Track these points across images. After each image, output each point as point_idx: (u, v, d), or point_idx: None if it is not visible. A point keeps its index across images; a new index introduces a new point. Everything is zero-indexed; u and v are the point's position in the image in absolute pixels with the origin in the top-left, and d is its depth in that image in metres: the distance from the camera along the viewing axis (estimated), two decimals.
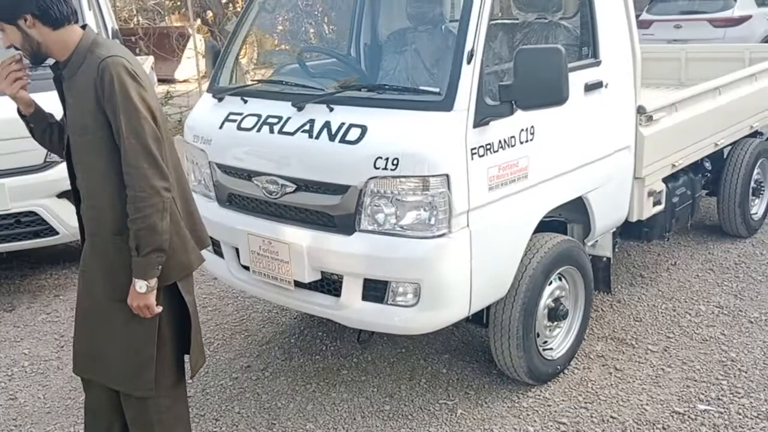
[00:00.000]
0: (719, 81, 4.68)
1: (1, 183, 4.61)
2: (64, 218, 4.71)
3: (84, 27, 2.51)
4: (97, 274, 2.54)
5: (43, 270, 5.48)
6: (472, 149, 2.94)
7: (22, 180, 4.64)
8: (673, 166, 4.33)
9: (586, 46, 3.57)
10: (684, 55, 6.63)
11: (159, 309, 2.49)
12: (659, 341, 4.04)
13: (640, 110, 3.89)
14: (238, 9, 13.78)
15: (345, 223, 3.06)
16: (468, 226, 3.00)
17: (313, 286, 3.27)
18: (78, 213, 2.64)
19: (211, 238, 3.68)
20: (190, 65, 13.73)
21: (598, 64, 3.55)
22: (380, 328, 3.26)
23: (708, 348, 3.94)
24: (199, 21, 13.29)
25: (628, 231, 4.35)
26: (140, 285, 2.41)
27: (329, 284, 3.25)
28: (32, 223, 4.76)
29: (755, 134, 5.53)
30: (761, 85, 5.17)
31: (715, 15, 11.95)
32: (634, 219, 4.11)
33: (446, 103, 2.91)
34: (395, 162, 2.89)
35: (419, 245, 2.95)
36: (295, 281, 3.25)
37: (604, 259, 4.01)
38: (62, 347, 4.27)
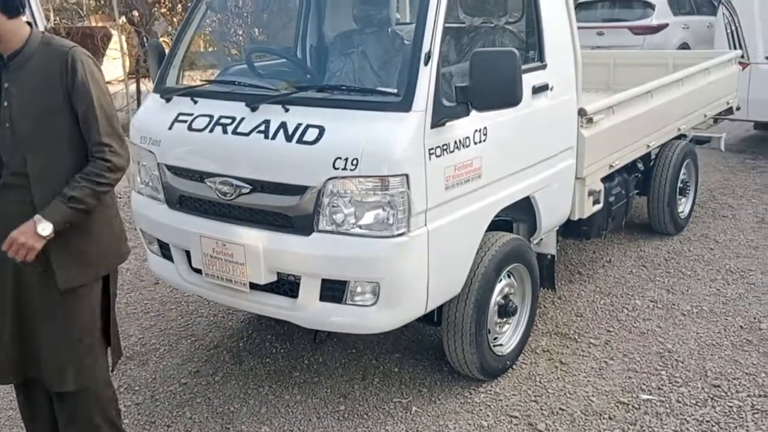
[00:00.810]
0: (651, 85, 4.90)
1: None
2: None
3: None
4: (45, 262, 2.51)
5: None
6: (429, 149, 2.99)
7: None
8: (611, 166, 4.51)
9: (533, 49, 3.68)
10: (612, 61, 6.90)
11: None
12: (600, 335, 4.19)
13: (581, 112, 4.04)
14: (164, 11, 13.51)
15: (303, 224, 3.06)
16: (426, 225, 3.05)
17: (268, 288, 3.25)
18: None
19: (159, 240, 3.65)
20: (115, 66, 13.35)
21: (544, 67, 3.66)
22: (338, 328, 3.27)
23: (646, 340, 4.12)
24: (123, 19, 12.94)
25: (568, 229, 4.50)
26: (45, 227, 2.41)
27: (285, 285, 3.23)
28: None
29: (680, 137, 5.80)
30: (687, 89, 5.44)
31: (634, 23, 12.46)
32: (576, 217, 4.26)
33: (404, 104, 2.95)
34: (354, 162, 2.91)
35: (379, 245, 2.98)
36: (250, 283, 3.22)
37: (549, 256, 4.13)
38: None
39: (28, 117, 2.45)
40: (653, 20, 12.47)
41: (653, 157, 5.52)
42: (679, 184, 5.64)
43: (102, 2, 13.26)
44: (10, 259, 2.50)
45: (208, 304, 4.66)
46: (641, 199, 5.74)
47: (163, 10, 13.54)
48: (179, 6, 13.41)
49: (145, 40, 12.46)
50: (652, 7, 12.63)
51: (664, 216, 5.56)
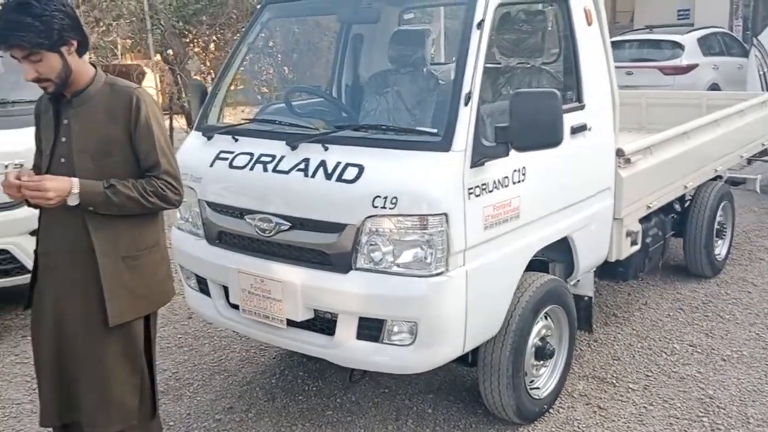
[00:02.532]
0: (688, 126, 4.87)
1: None
2: None
3: None
4: (94, 300, 2.53)
5: (8, 310, 5.29)
6: (469, 189, 2.99)
7: None
8: (648, 207, 4.47)
9: (571, 90, 3.68)
10: (644, 101, 6.89)
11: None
12: (639, 380, 4.10)
13: (619, 153, 4.02)
14: (197, 50, 13.81)
15: (341, 262, 3.06)
16: (464, 264, 3.03)
17: (305, 325, 3.24)
18: (40, 245, 2.63)
19: (197, 276, 3.67)
20: None
21: (582, 107, 3.66)
22: (375, 367, 3.24)
23: (686, 386, 4.03)
24: (158, 57, 13.24)
25: (604, 271, 4.45)
26: (75, 199, 2.42)
27: (322, 323, 3.23)
28: (3, 261, 4.62)
29: (716, 178, 5.74)
30: (723, 130, 5.40)
31: (664, 63, 12.46)
32: (613, 259, 4.21)
33: (444, 144, 2.97)
34: (394, 200, 2.92)
35: (417, 284, 2.97)
36: (287, 320, 3.22)
37: (586, 298, 4.08)
38: (35, 389, 4.08)
39: (86, 153, 2.50)
40: (683, 60, 12.46)
41: (688, 198, 5.46)
42: (716, 226, 5.57)
43: (138, 41, 13.56)
44: (51, 301, 2.53)
45: (241, 339, 4.66)
46: (677, 241, 5.67)
47: (196, 49, 13.84)
48: (212, 45, 13.71)
49: (179, 78, 12.74)
50: (681, 47, 12.64)
51: (701, 258, 5.48)
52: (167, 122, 12.87)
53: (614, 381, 4.09)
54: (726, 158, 5.60)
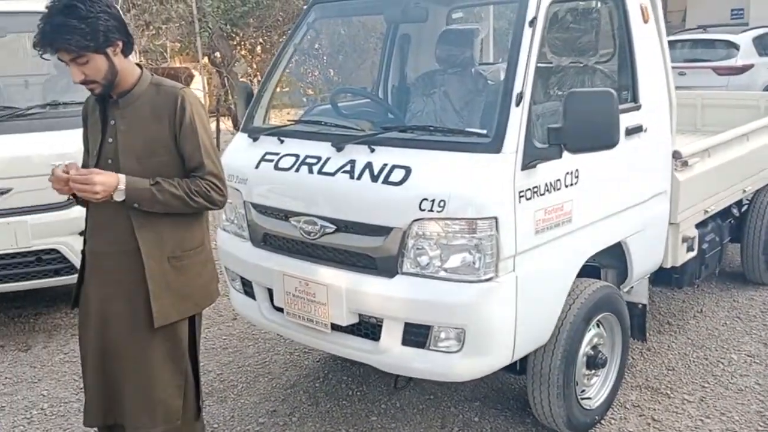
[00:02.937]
0: (748, 127, 4.68)
1: (24, 220, 4.55)
2: None
3: None
4: (140, 300, 2.52)
5: (58, 308, 5.37)
6: (519, 192, 2.90)
7: (44, 217, 4.57)
8: (705, 212, 4.30)
9: (626, 89, 3.55)
10: (700, 102, 6.66)
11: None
12: (695, 391, 3.95)
13: (676, 155, 3.87)
14: (244, 53, 13.93)
15: (387, 266, 3.00)
16: (514, 270, 2.94)
17: (349, 330, 3.19)
18: (88, 245, 2.63)
19: (242, 278, 3.65)
20: None
21: (638, 108, 3.53)
22: (420, 375, 3.17)
23: (744, 398, 3.85)
24: (206, 60, 13.39)
25: (659, 277, 4.29)
26: (121, 194, 2.41)
27: (367, 328, 3.16)
28: (53, 261, 4.67)
29: None
30: None
31: (718, 63, 12.12)
32: (669, 265, 4.06)
33: (494, 145, 2.88)
34: (442, 204, 2.84)
35: (465, 289, 2.88)
36: (332, 324, 3.16)
37: (640, 305, 3.93)
38: (82, 388, 4.13)
39: (132, 153, 2.50)
40: (738, 61, 12.10)
41: (746, 202, 5.25)
42: None
43: (186, 44, 13.74)
44: (97, 302, 2.53)
45: (285, 342, 4.63)
46: (733, 247, 5.46)
47: (243, 51, 13.96)
48: (258, 48, 13.81)
49: (226, 80, 12.86)
50: (736, 47, 12.27)
51: (759, 264, 5.27)
52: (214, 124, 13.04)
53: (669, 392, 3.94)
54: None
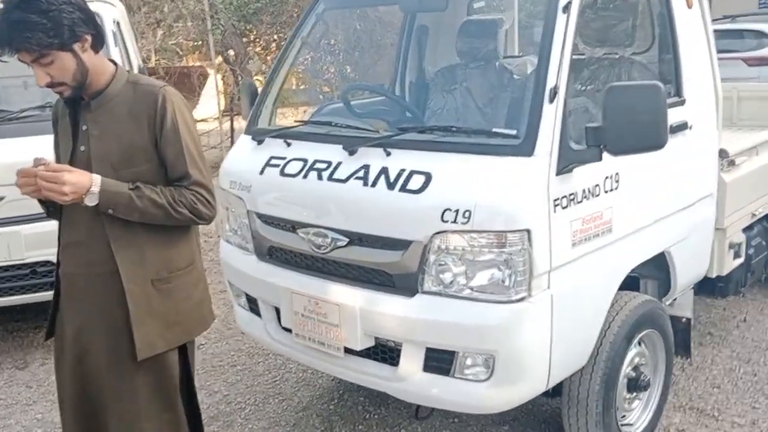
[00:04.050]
0: None
1: (17, 230, 4.27)
2: None
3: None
4: (121, 330, 2.22)
5: None
6: (554, 200, 2.56)
7: (39, 227, 4.26)
8: (753, 215, 3.95)
9: (668, 83, 3.20)
10: (736, 94, 6.26)
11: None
12: (745, 412, 3.60)
13: (722, 154, 3.52)
14: (258, 50, 13.67)
15: (405, 283, 2.68)
16: (549, 288, 2.61)
17: (365, 354, 2.87)
18: (62, 266, 2.33)
19: (246, 294, 3.35)
20: (210, 104, 13.56)
21: (682, 103, 3.19)
22: (444, 405, 2.85)
23: None
24: (219, 59, 13.14)
25: (701, 286, 3.93)
26: (93, 198, 2.10)
27: (384, 352, 2.85)
28: (49, 274, 4.39)
29: None
30: None
31: (749, 54, 11.66)
32: (715, 274, 3.71)
33: (526, 148, 2.54)
34: (467, 215, 2.51)
35: (494, 311, 2.55)
36: (345, 347, 2.85)
37: (684, 319, 3.59)
38: None
39: (106, 162, 2.19)
40: None
41: None
42: None
43: (199, 42, 13.49)
44: (73, 332, 2.24)
45: None
46: None
47: (257, 49, 13.70)
48: (273, 45, 13.53)
49: (239, 78, 12.60)
50: (767, 36, 11.82)
51: None
52: (228, 124, 12.77)
53: (716, 414, 3.60)
54: None
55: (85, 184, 2.07)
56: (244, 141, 3.40)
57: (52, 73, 2.08)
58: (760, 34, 11.99)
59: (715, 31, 11.72)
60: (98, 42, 2.16)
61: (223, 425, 3.69)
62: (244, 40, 12.97)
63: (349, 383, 4.00)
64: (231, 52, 12.96)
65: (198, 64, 16.79)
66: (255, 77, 13.36)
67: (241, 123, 12.09)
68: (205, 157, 2.35)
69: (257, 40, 13.43)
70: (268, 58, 13.65)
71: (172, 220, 2.21)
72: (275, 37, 13.20)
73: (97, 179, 2.10)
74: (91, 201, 2.10)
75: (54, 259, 4.31)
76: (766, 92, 6.51)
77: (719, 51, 11.81)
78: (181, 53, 17.84)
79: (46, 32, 2.00)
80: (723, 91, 6.29)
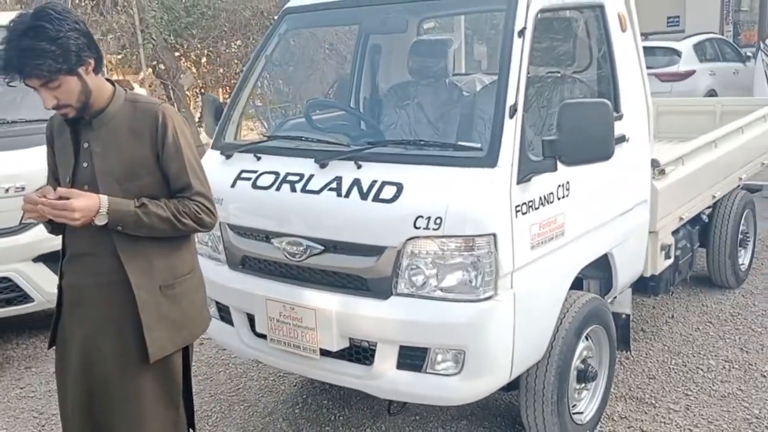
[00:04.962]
0: (716, 134, 4.74)
1: None
2: (41, 284, 4.35)
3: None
4: (129, 335, 2.32)
5: (8, 340, 5.04)
6: (516, 206, 2.81)
7: None
8: (681, 219, 4.32)
9: (608, 99, 3.51)
10: (655, 109, 6.74)
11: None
12: (679, 399, 3.93)
13: (654, 164, 3.86)
14: (189, 64, 13.59)
15: (379, 287, 2.87)
16: (512, 287, 2.85)
17: (340, 355, 3.04)
18: (66, 278, 2.43)
19: (217, 303, 3.46)
20: None
21: (620, 117, 3.50)
22: (417, 399, 3.04)
23: (729, 405, 3.85)
24: (150, 71, 13.01)
25: (635, 286, 4.28)
26: (103, 218, 2.21)
27: (359, 352, 3.03)
28: (5, 290, 4.38)
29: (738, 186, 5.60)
30: (747, 137, 5.27)
31: (661, 70, 12.38)
32: (649, 273, 4.04)
33: (490, 159, 2.79)
34: (438, 221, 2.73)
35: (463, 309, 2.78)
36: (321, 349, 3.01)
37: (624, 315, 3.90)
38: (43, 426, 3.88)
39: (111, 177, 2.30)
40: (680, 67, 12.42)
41: (709, 208, 5.31)
42: (740, 236, 5.42)
43: (128, 56, 13.31)
44: (79, 339, 2.33)
45: (257, 366, 4.45)
46: (699, 252, 5.51)
47: (188, 63, 13.63)
48: (204, 59, 13.49)
49: (171, 92, 12.51)
50: (678, 54, 12.59)
51: (726, 269, 5.33)
52: None
53: (653, 401, 3.92)
54: (749, 165, 5.46)
55: (93, 207, 2.18)
56: (213, 156, 3.52)
57: (58, 96, 2.18)
58: (670, 51, 12.78)
59: None
60: (98, 65, 2.26)
61: None
62: (176, 54, 12.89)
63: (312, 387, 4.15)
64: (162, 66, 12.85)
65: (125, 77, 16.51)
66: (187, 91, 13.30)
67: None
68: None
69: (188, 54, 13.36)
70: (200, 72, 13.60)
71: (178, 232, 2.33)
72: (206, 51, 13.18)
73: (104, 201, 2.21)
74: (100, 221, 2.21)
75: (10, 275, 4.36)
76: (682, 106, 7.06)
77: None
78: (103, 68, 17.47)
79: (55, 59, 2.09)
80: None
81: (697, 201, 4.55)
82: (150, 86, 13.57)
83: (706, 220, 5.16)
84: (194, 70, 13.45)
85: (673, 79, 12.23)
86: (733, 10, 18.90)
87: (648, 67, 12.29)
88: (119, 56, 13.60)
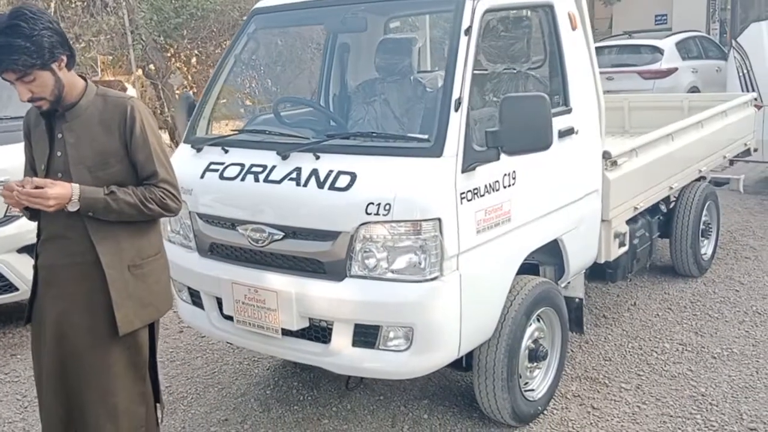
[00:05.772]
0: (672, 127, 4.94)
1: None
2: (25, 273, 4.54)
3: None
4: (100, 311, 2.53)
5: None
6: (461, 194, 3.02)
7: None
8: (635, 208, 4.52)
9: (557, 94, 3.72)
10: (627, 104, 6.96)
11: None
12: (631, 379, 4.14)
13: (606, 155, 4.06)
14: (179, 64, 13.78)
15: (335, 269, 3.07)
16: (458, 269, 3.05)
17: (300, 334, 3.25)
18: (41, 258, 2.62)
19: (189, 288, 3.66)
20: None
21: (569, 111, 3.70)
22: (371, 374, 3.25)
23: (678, 384, 4.06)
24: (140, 72, 13.20)
25: (593, 273, 4.49)
26: (75, 205, 2.43)
27: (317, 331, 3.23)
28: None
29: (700, 179, 5.81)
30: (706, 132, 5.47)
31: (644, 68, 12.59)
32: (602, 260, 4.24)
33: (436, 150, 2.99)
34: (387, 207, 2.93)
35: (411, 289, 2.98)
36: (282, 329, 3.22)
37: (576, 300, 4.11)
38: (26, 408, 4.08)
39: (83, 166, 2.50)
40: (662, 65, 12.60)
41: (673, 199, 5.53)
42: (702, 226, 5.63)
43: (119, 57, 13.50)
44: (54, 315, 2.53)
45: (234, 352, 4.65)
46: (663, 242, 5.72)
47: (178, 63, 13.82)
48: (194, 59, 13.70)
49: (161, 92, 12.71)
50: (660, 51, 12.78)
51: (688, 258, 5.54)
52: None
53: (606, 381, 4.12)
54: (709, 159, 5.67)
55: (66, 195, 2.40)
56: (184, 149, 3.73)
57: (33, 90, 2.39)
58: (654, 48, 12.95)
59: (615, 46, 12.64)
60: (71, 61, 2.47)
61: (167, 412, 3.96)
62: (166, 54, 13.08)
63: (284, 371, 4.36)
64: (152, 67, 13.05)
65: (117, 78, 16.68)
66: (177, 91, 13.49)
67: (163, 136, 12.22)
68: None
69: (178, 54, 13.55)
70: (189, 72, 13.80)
71: (144, 216, 2.55)
72: (196, 51, 13.38)
73: (76, 189, 2.42)
74: (72, 207, 2.42)
75: None
76: (654, 102, 7.28)
77: (618, 65, 12.78)
78: (96, 68, 17.67)
79: (29, 54, 2.31)
80: (615, 102, 7.01)
81: (653, 192, 4.75)
82: (141, 87, 13.77)
83: (665, 211, 5.35)
84: (184, 70, 13.63)
85: (656, 77, 12.42)
86: (719, 8, 19.11)
87: (631, 65, 12.48)
88: (110, 57, 13.80)
